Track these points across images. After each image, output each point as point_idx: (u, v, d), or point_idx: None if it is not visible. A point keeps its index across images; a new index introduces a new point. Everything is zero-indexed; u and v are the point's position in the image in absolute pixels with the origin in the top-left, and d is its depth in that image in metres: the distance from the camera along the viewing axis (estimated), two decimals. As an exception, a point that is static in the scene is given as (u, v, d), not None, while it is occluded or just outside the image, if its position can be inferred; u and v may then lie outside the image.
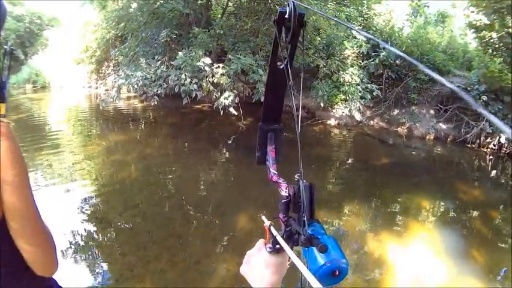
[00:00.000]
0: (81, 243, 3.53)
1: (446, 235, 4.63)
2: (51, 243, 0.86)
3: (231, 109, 6.99)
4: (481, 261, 3.97)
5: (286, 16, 0.65)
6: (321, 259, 0.60)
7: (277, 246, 0.70)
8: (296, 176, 0.69)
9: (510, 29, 8.71)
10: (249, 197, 4.96)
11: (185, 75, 7.13)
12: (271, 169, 0.76)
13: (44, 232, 0.84)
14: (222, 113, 6.97)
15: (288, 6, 0.64)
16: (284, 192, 0.71)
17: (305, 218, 0.63)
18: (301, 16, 0.65)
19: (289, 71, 0.69)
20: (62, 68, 11.91)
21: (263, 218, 0.77)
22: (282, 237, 0.68)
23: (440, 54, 9.50)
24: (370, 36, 0.61)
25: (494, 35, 9.03)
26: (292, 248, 0.66)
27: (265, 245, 0.74)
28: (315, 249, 0.59)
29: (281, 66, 0.71)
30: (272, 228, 0.72)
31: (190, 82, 7.07)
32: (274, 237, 0.70)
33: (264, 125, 0.79)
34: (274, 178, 0.74)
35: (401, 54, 0.54)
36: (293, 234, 0.68)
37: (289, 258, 0.64)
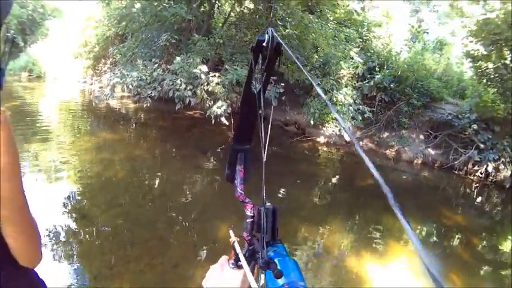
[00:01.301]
0: (61, 238, 3.52)
1: (427, 259, 4.67)
2: (36, 233, 0.88)
3: (223, 119, 7.01)
4: (461, 285, 4.02)
5: (264, 44, 0.66)
6: (280, 280, 0.60)
7: (240, 263, 0.71)
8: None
9: (506, 61, 8.91)
10: (231, 207, 4.95)
11: (181, 80, 7.14)
12: (238, 188, 0.78)
13: (31, 221, 0.85)
14: (213, 121, 6.99)
15: (267, 34, 0.66)
16: (249, 212, 0.73)
17: (265, 241, 0.64)
18: (279, 45, 0.66)
19: (262, 99, 0.70)
20: (59, 59, 11.86)
21: (230, 232, 0.80)
22: (245, 255, 0.71)
23: (435, 81, 9.64)
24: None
25: (490, 65, 9.21)
26: (253, 267, 0.69)
27: (228, 261, 0.76)
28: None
29: (255, 92, 0.73)
30: (236, 245, 0.74)
31: (185, 88, 7.09)
32: (237, 254, 0.72)
33: (235, 145, 0.81)
34: (241, 197, 0.76)
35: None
36: (255, 252, 0.70)
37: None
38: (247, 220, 0.73)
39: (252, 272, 0.69)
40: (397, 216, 0.38)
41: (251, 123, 0.80)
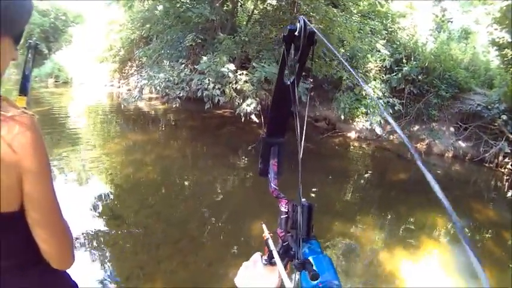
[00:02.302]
0: (94, 239, 3.57)
1: (459, 254, 4.60)
2: (68, 235, 0.88)
3: (253, 116, 7.04)
4: (492, 281, 3.95)
5: (296, 33, 0.63)
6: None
7: (273, 259, 0.70)
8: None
9: (532, 48, 8.63)
10: (264, 204, 4.95)
11: (209, 80, 7.21)
12: (272, 183, 0.77)
13: (62, 223, 0.86)
14: (243, 119, 7.02)
15: (299, 23, 0.63)
16: (284, 208, 0.71)
17: (301, 239, 0.62)
18: (312, 34, 0.63)
19: (296, 90, 0.68)
20: (85, 65, 12.12)
21: (264, 227, 0.79)
22: (279, 251, 0.69)
23: (463, 71, 9.42)
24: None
25: (516, 53, 8.95)
26: (287, 263, 0.68)
27: (261, 257, 0.75)
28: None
29: (288, 83, 0.70)
30: (270, 242, 0.73)
31: (214, 87, 7.14)
32: (270, 251, 0.71)
33: (268, 138, 0.80)
34: (275, 193, 0.75)
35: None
36: (289, 249, 0.69)
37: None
38: (282, 216, 0.71)
39: (285, 269, 0.68)
40: (447, 211, 0.36)
41: (284, 116, 0.78)
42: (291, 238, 0.68)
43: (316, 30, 0.64)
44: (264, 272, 0.73)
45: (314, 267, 0.56)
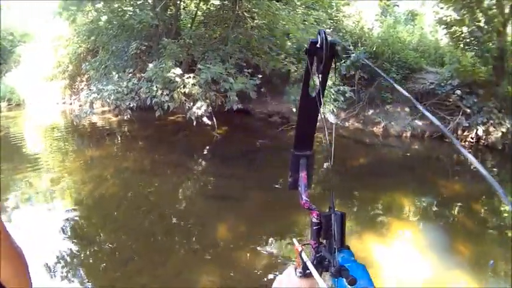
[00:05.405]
0: (62, 260, 3.53)
1: (431, 231, 4.69)
2: (22, 260, 0.89)
3: (204, 119, 6.96)
4: (468, 254, 4.04)
5: (318, 46, 0.66)
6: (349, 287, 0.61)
7: (308, 271, 0.72)
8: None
9: (481, 23, 8.92)
10: (227, 206, 4.96)
11: (156, 86, 7.08)
12: (303, 196, 0.78)
13: (14, 248, 0.86)
14: (195, 123, 6.94)
15: (320, 35, 0.66)
16: (315, 219, 0.73)
17: (336, 248, 0.65)
18: (333, 45, 0.67)
19: (322, 100, 0.72)
20: (36, 84, 11.70)
21: (295, 241, 0.81)
22: (312, 263, 0.71)
23: (412, 52, 9.64)
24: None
25: (464, 29, 9.21)
26: (321, 274, 0.69)
27: (295, 269, 0.76)
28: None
29: (313, 95, 0.74)
30: (303, 254, 0.74)
31: (162, 94, 7.02)
32: (304, 263, 0.72)
33: (297, 151, 0.81)
34: (307, 205, 0.76)
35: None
36: (323, 260, 0.70)
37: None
38: (314, 228, 0.73)
39: None
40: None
41: (311, 127, 0.81)
42: (324, 248, 0.71)
43: (338, 41, 0.68)
44: (300, 284, 0.75)
45: (350, 273, 0.58)
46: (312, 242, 0.74)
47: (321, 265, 0.71)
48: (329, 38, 0.66)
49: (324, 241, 0.72)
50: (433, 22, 10.68)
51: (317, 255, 0.72)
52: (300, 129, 0.82)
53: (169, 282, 3.27)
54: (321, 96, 0.72)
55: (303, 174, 0.80)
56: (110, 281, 3.27)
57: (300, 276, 0.75)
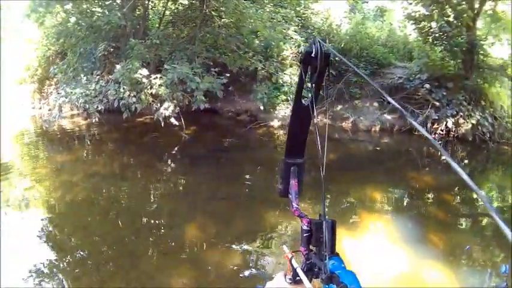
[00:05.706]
0: (34, 269, 3.47)
1: (404, 223, 4.76)
2: None
3: (172, 119, 6.96)
4: (441, 243, 4.12)
5: (313, 55, 0.65)
6: None
7: (298, 278, 0.72)
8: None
9: (450, 18, 9.12)
10: (197, 206, 4.97)
11: (123, 88, 7.04)
12: (293, 203, 0.78)
13: None
14: (163, 124, 6.93)
15: (314, 45, 0.65)
16: (306, 226, 0.73)
17: (326, 254, 0.65)
18: (328, 56, 0.66)
19: (314, 110, 0.72)
20: (5, 89, 11.42)
21: (285, 248, 0.81)
22: (303, 269, 0.71)
23: (380, 48, 9.82)
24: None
25: (433, 24, 9.41)
26: (311, 280, 0.70)
27: (285, 276, 0.77)
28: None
29: (306, 104, 0.74)
30: (293, 261, 0.75)
31: (129, 95, 6.99)
32: (295, 270, 0.73)
33: (288, 159, 0.81)
34: (297, 212, 0.76)
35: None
36: (313, 267, 0.71)
37: None
38: (304, 235, 0.73)
39: None
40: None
41: (303, 135, 0.81)
42: (314, 255, 0.71)
43: (333, 51, 0.69)
44: None
45: (340, 280, 0.58)
46: (302, 248, 0.74)
47: (311, 272, 0.71)
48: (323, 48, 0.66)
49: (314, 248, 0.72)
50: (402, 18, 10.90)
51: (307, 262, 0.72)
52: (291, 137, 0.82)
53: (143, 285, 3.30)
54: (314, 105, 0.72)
55: (293, 182, 0.81)
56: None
57: (290, 282, 0.75)
